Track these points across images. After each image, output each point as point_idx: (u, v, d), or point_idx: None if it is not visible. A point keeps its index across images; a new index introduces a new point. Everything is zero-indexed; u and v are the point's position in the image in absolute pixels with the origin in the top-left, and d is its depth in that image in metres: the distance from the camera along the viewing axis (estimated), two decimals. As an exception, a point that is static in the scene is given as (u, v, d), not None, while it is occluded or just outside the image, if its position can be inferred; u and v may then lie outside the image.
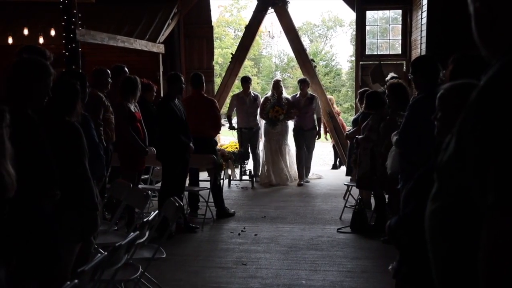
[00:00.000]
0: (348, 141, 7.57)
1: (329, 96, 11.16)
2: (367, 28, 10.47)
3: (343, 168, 9.63)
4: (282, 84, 9.21)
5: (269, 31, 23.67)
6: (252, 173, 9.11)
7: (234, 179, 9.05)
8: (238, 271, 4.88)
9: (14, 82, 2.87)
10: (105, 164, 5.11)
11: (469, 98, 1.30)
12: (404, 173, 4.25)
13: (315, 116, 9.12)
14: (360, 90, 7.68)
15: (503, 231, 1.15)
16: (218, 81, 14.63)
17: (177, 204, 4.08)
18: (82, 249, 3.37)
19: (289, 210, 7.27)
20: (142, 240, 3.82)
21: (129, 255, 3.52)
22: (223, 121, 10.05)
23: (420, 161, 3.17)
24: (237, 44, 11.56)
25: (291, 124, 9.28)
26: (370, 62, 10.21)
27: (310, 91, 9.38)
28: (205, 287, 4.54)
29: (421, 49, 8.55)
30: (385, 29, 11.25)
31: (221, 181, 7.22)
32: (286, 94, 9.49)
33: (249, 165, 9.49)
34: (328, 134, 11.08)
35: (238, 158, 8.94)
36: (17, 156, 2.29)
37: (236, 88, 13.40)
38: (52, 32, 8.56)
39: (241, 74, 11.13)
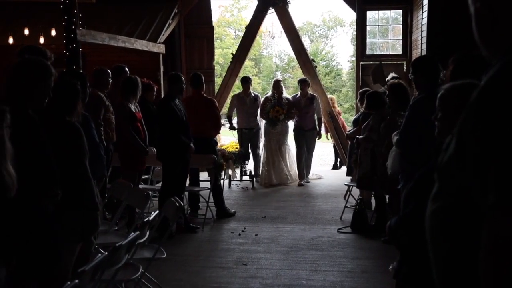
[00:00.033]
0: (349, 141, 7.57)
1: (330, 96, 11.16)
2: (368, 28, 10.47)
3: (344, 168, 9.63)
4: (282, 84, 9.22)
5: (269, 31, 23.71)
6: (253, 173, 9.11)
7: (235, 179, 9.06)
8: (239, 271, 4.88)
9: (15, 82, 2.88)
10: (106, 164, 5.11)
11: (469, 99, 1.30)
12: (404, 173, 4.25)
13: (315, 116, 9.12)
14: (361, 90, 7.68)
15: (503, 231, 1.15)
16: (218, 81, 14.64)
17: (177, 204, 4.08)
18: (83, 249, 3.37)
19: (289, 210, 7.27)
20: (142, 240, 3.82)
21: (130, 255, 3.52)
22: (223, 121, 10.07)
23: (421, 161, 3.17)
24: (238, 44, 11.56)
25: (291, 124, 9.28)
26: (371, 62, 10.20)
27: (310, 92, 9.38)
28: (205, 287, 4.54)
29: (421, 49, 8.55)
30: (386, 29, 11.25)
31: (222, 181, 7.22)
32: (287, 94, 9.49)
33: (250, 165, 9.49)
34: (329, 134, 11.08)
35: (239, 158, 8.95)
36: (18, 156, 2.30)
37: (237, 88, 13.39)
38: (53, 32, 8.56)
39: (241, 74, 11.12)
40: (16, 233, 2.52)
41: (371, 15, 10.49)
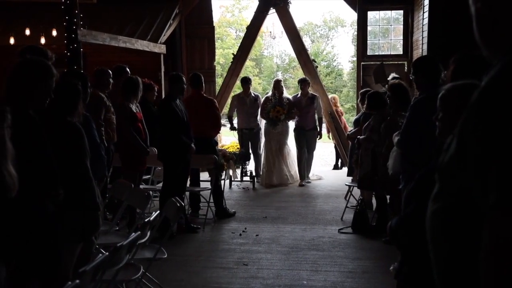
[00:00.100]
0: (350, 142, 7.57)
1: (333, 95, 11.15)
2: (369, 28, 10.47)
3: (345, 169, 9.62)
4: (283, 84, 9.21)
5: (270, 32, 23.67)
6: (253, 173, 9.11)
7: (235, 179, 9.06)
8: (239, 272, 4.88)
9: (16, 83, 2.88)
10: (107, 165, 5.12)
11: (470, 99, 1.30)
12: (405, 173, 4.24)
13: (316, 116, 9.12)
14: (362, 91, 7.68)
15: (504, 231, 1.15)
16: (219, 81, 14.63)
17: (178, 205, 4.08)
18: (84, 249, 3.37)
19: (290, 210, 7.27)
20: (143, 240, 3.82)
21: (131, 255, 3.52)
22: (224, 121, 10.07)
23: (422, 161, 3.17)
24: (239, 45, 11.56)
25: (291, 124, 9.28)
26: (372, 63, 10.20)
27: (311, 92, 9.37)
28: (206, 287, 4.54)
29: (422, 50, 8.55)
30: (387, 30, 11.25)
31: (222, 181, 7.22)
32: (287, 94, 9.49)
33: (250, 165, 9.49)
34: (330, 134, 11.07)
35: (240, 158, 8.94)
36: (19, 157, 2.30)
37: (238, 88, 13.38)
38: (54, 33, 8.57)
39: (242, 74, 11.12)
40: (17, 233, 2.53)
41: (372, 15, 10.49)
